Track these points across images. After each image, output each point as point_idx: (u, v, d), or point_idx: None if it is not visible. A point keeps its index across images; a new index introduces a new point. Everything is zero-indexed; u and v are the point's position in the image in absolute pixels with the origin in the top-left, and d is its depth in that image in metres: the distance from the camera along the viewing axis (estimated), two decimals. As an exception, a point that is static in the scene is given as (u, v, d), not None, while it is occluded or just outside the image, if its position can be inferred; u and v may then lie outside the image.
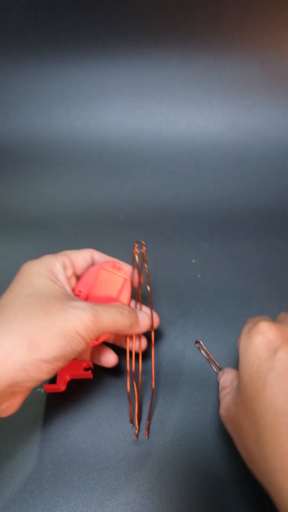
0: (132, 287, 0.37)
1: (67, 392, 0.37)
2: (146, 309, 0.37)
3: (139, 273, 0.36)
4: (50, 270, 0.31)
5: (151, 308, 0.37)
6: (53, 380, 0.37)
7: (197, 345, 0.41)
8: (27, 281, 0.30)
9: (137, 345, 0.36)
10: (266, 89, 0.62)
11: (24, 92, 0.64)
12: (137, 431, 0.35)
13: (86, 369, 0.38)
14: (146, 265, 0.36)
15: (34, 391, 0.37)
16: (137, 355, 0.36)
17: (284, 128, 0.63)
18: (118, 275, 0.35)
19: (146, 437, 0.34)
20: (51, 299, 0.28)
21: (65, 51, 0.62)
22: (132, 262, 0.36)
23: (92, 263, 0.36)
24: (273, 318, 0.40)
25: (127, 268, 0.36)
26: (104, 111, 0.64)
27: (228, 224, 0.54)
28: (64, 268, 0.33)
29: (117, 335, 0.38)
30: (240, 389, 0.27)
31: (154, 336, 0.36)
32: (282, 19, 0.58)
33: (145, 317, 0.34)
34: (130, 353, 0.35)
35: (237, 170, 0.61)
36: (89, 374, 0.38)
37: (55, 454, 0.34)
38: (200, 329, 0.42)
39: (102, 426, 0.35)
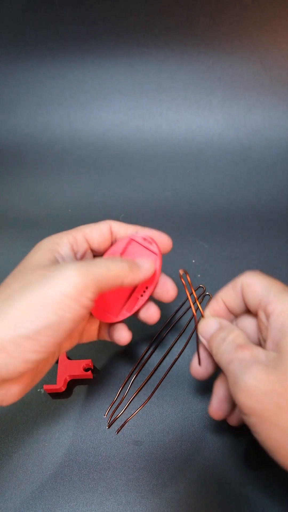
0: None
1: (67, 392, 0.37)
2: None
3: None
4: (52, 244, 0.28)
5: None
6: (53, 380, 0.37)
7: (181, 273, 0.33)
8: (25, 260, 0.27)
9: (148, 313, 0.32)
10: (266, 89, 0.62)
11: (24, 92, 0.64)
12: (108, 421, 0.35)
13: (86, 369, 0.38)
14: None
15: (34, 391, 0.37)
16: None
17: (284, 128, 0.63)
18: (149, 250, 0.31)
19: (116, 433, 0.35)
20: (37, 270, 0.25)
21: (65, 51, 0.62)
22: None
23: (112, 236, 0.32)
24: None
25: (161, 238, 0.33)
26: (104, 111, 0.64)
27: (228, 224, 0.54)
28: (74, 244, 0.30)
29: (101, 329, 0.34)
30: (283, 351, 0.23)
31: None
32: (282, 19, 0.58)
33: (145, 260, 0.30)
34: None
35: (237, 170, 0.61)
36: (89, 374, 0.38)
37: (55, 454, 0.34)
38: (200, 329, 0.42)
39: (102, 426, 0.35)
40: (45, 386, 0.37)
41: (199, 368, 0.31)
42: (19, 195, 0.59)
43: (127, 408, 0.36)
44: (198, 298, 0.45)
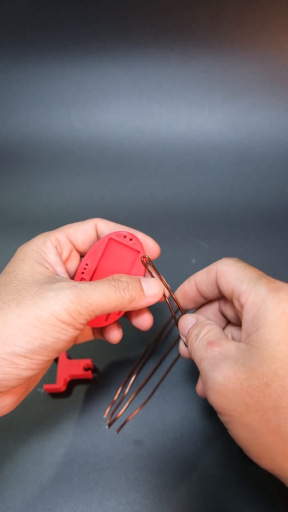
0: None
1: (67, 392, 0.37)
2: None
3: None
4: (39, 252, 0.28)
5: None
6: (53, 380, 0.37)
7: (144, 259, 0.31)
8: (12, 268, 0.26)
9: (141, 320, 0.31)
10: (266, 89, 0.62)
11: (24, 92, 0.64)
12: (108, 421, 0.35)
13: (86, 369, 0.38)
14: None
15: (34, 391, 0.37)
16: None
17: (284, 128, 0.63)
18: (130, 247, 0.31)
19: (116, 432, 0.35)
20: (31, 285, 0.25)
21: (65, 51, 0.62)
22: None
23: (97, 235, 0.32)
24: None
25: (143, 237, 0.32)
26: (104, 111, 0.64)
27: (228, 224, 0.54)
28: (58, 246, 0.29)
29: (95, 330, 0.34)
30: (262, 357, 0.22)
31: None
32: (282, 19, 0.58)
33: (152, 284, 0.29)
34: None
35: (237, 170, 0.61)
36: (89, 374, 0.38)
37: (55, 454, 0.34)
38: (200, 329, 0.42)
39: (102, 426, 0.35)
40: (45, 386, 0.37)
41: (186, 349, 0.30)
42: (19, 195, 0.59)
43: (127, 408, 0.36)
44: None
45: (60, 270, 0.28)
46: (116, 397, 0.37)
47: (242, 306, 0.25)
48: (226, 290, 0.27)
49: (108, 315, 0.30)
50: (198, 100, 0.63)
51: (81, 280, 0.30)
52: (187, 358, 0.31)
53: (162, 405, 0.37)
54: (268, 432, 0.21)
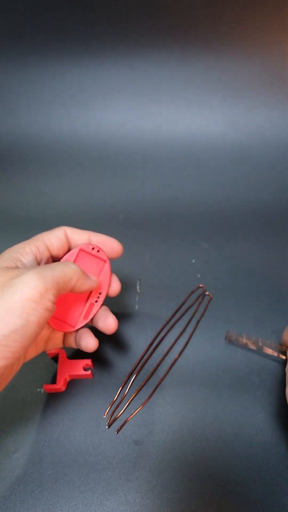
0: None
1: (67, 392, 0.37)
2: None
3: None
4: (15, 255, 0.30)
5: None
6: (53, 380, 0.37)
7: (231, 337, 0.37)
8: None
9: (106, 323, 0.34)
10: (266, 89, 0.62)
11: (24, 92, 0.64)
12: (108, 421, 0.35)
13: (86, 369, 0.38)
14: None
15: (34, 391, 0.37)
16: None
17: (284, 128, 0.63)
18: (98, 258, 0.35)
19: (116, 432, 0.35)
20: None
21: (65, 51, 0.62)
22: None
23: (67, 241, 0.34)
24: (270, 320, 0.40)
25: (103, 239, 0.35)
26: (104, 111, 0.64)
27: (228, 224, 0.54)
28: (37, 252, 0.31)
29: (67, 337, 0.36)
30: None
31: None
32: (282, 19, 0.58)
33: (90, 274, 0.33)
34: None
35: (237, 170, 0.61)
36: (89, 374, 0.38)
37: (55, 454, 0.34)
38: (200, 329, 0.42)
39: (102, 426, 0.35)
40: (45, 386, 0.37)
41: None
42: (19, 195, 0.59)
43: (127, 408, 0.36)
44: (198, 298, 0.45)
45: None
46: (116, 397, 0.37)
47: None
48: None
49: (77, 319, 0.34)
50: (198, 100, 0.63)
51: None
52: None
53: (162, 405, 0.37)
54: None
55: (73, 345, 0.35)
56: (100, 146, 0.63)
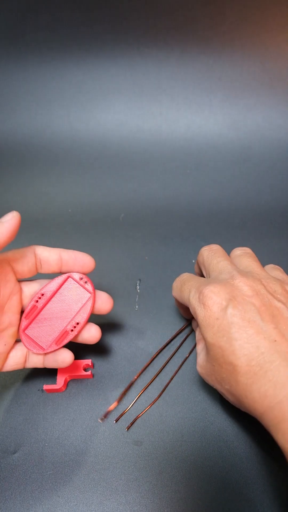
0: None
1: (67, 392, 0.37)
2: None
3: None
4: None
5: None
6: (53, 380, 0.37)
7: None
8: None
9: (88, 335, 0.34)
10: (266, 89, 0.62)
11: (24, 92, 0.64)
12: (117, 417, 0.35)
13: (86, 369, 0.38)
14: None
15: (34, 391, 0.37)
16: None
17: (284, 128, 0.63)
18: (84, 288, 0.34)
19: (126, 429, 0.35)
20: None
21: (65, 51, 0.62)
22: None
23: (37, 259, 0.34)
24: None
25: (84, 258, 0.34)
26: (104, 111, 0.64)
27: (228, 224, 0.54)
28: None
29: (31, 357, 0.35)
30: (208, 348, 0.30)
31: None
32: (282, 19, 0.58)
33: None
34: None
35: (237, 170, 0.61)
36: (89, 375, 0.38)
37: (55, 454, 0.34)
38: (200, 329, 0.42)
39: (102, 426, 0.35)
40: (45, 386, 0.37)
41: None
42: (19, 195, 0.59)
43: (133, 406, 0.36)
44: None
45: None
46: (122, 394, 0.37)
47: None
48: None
49: (50, 343, 0.33)
50: (198, 100, 0.63)
51: (33, 308, 0.33)
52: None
53: (162, 405, 0.37)
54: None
55: (39, 365, 0.34)
56: (100, 146, 0.63)
